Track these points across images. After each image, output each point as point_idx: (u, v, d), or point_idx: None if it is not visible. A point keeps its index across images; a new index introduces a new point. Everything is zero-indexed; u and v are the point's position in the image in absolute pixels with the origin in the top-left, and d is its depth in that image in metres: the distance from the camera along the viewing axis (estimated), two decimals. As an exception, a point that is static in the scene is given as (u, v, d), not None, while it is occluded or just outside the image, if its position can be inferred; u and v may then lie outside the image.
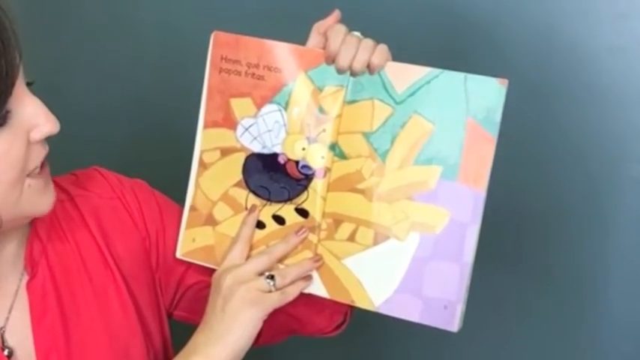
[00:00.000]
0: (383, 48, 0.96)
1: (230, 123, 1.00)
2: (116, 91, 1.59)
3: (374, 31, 0.97)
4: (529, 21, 1.35)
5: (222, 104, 1.00)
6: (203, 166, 1.02)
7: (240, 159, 1.00)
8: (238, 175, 1.00)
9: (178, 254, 1.03)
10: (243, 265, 0.97)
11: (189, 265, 1.05)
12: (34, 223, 0.97)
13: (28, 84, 0.90)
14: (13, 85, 0.85)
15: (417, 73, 0.94)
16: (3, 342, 0.94)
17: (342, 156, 0.97)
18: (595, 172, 1.38)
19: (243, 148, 1.00)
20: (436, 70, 0.94)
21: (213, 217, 1.02)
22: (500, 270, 1.43)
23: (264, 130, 0.99)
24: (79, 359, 0.96)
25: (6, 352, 0.94)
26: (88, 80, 1.61)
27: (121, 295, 1.00)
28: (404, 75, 0.95)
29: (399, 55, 0.96)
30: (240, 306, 0.93)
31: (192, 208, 1.02)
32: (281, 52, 0.98)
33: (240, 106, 0.99)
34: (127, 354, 1.00)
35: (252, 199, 1.00)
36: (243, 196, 1.01)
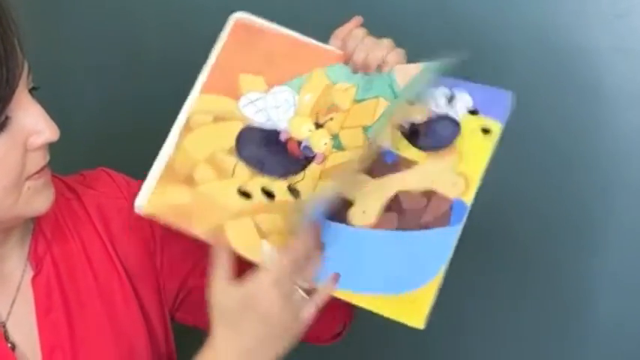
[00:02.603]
0: (400, 51, 1.00)
1: (233, 93, 0.99)
2: (117, 89, 1.63)
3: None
4: (527, 21, 1.34)
5: (230, 76, 0.99)
6: (188, 129, 0.97)
7: (235, 127, 0.98)
8: (230, 143, 0.98)
9: (139, 203, 0.94)
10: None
11: (194, 267, 1.04)
12: (38, 219, 0.98)
13: (34, 88, 0.89)
14: (13, 92, 0.85)
15: (414, 70, 1.01)
16: (6, 336, 0.95)
17: (340, 147, 1.01)
18: (595, 172, 1.36)
19: (242, 118, 0.99)
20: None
21: (193, 178, 0.96)
22: (498, 268, 1.44)
23: (271, 105, 1.01)
24: (84, 355, 0.97)
25: (9, 346, 0.94)
26: (87, 79, 1.65)
27: (126, 294, 1.01)
28: (407, 74, 1.00)
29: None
30: None
31: (169, 167, 0.95)
32: (302, 47, 1.02)
33: (249, 81, 1.00)
34: (132, 351, 1.01)
35: (241, 168, 0.97)
36: (231, 163, 0.97)
